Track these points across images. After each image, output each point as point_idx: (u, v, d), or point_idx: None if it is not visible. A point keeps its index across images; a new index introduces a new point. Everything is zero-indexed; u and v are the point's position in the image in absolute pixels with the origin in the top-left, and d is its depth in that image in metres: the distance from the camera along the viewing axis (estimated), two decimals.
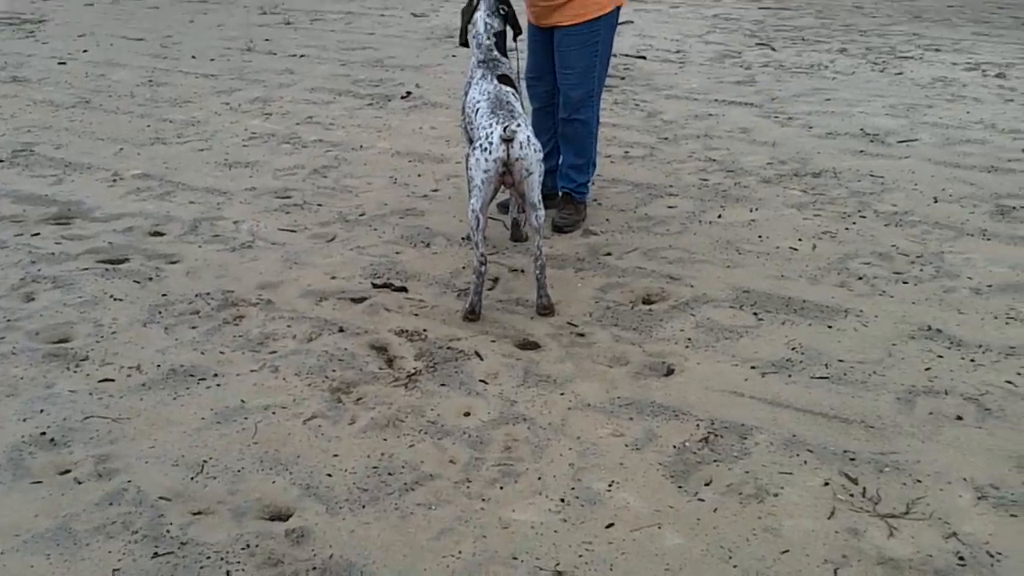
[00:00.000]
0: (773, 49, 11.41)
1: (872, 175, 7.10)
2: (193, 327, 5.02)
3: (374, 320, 5.07)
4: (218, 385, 4.48)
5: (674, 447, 3.98)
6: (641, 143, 7.89)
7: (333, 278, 5.55)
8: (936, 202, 6.56)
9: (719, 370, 4.57)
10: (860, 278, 5.47)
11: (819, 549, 3.42)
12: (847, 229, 6.13)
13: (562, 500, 3.67)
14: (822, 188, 6.84)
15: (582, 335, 4.91)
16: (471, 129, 5.31)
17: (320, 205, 6.64)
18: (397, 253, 5.86)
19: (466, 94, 5.53)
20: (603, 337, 4.88)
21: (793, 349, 4.74)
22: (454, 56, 10.13)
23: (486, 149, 4.89)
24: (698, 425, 4.13)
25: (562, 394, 4.37)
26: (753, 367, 4.58)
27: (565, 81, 6.04)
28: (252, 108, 9.06)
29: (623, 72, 10.20)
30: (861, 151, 7.66)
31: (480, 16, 5.63)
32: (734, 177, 7.10)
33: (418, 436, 4.07)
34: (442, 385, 4.46)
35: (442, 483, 3.78)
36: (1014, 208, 6.42)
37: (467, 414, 4.24)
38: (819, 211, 6.42)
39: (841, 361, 4.62)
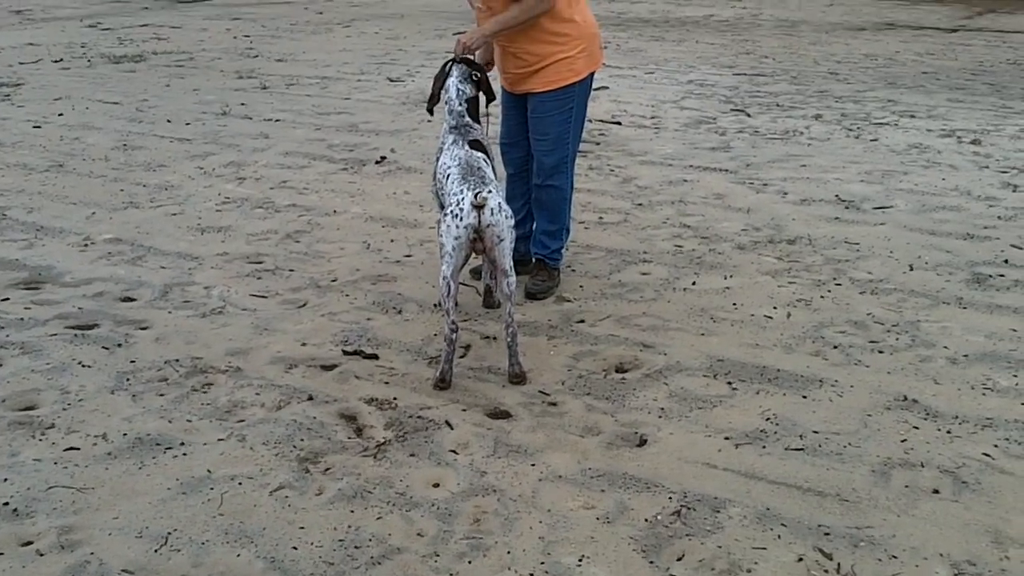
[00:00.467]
0: (748, 115, 11.45)
1: (847, 242, 7.09)
2: (161, 395, 4.95)
3: (344, 388, 5.01)
4: (184, 454, 4.41)
5: (646, 520, 3.92)
6: (616, 209, 7.88)
7: (303, 345, 5.49)
8: (912, 270, 6.55)
9: (692, 441, 4.52)
10: (835, 347, 5.43)
11: None
12: (822, 297, 6.11)
13: (531, 575, 3.61)
14: (797, 255, 6.83)
15: (554, 404, 4.85)
16: (442, 195, 5.29)
17: (292, 270, 6.59)
18: (369, 319, 5.81)
19: (438, 160, 5.51)
20: (575, 406, 4.83)
21: (767, 420, 4.69)
22: (429, 121, 10.12)
23: (457, 216, 4.86)
24: (670, 498, 4.07)
25: (533, 465, 4.31)
26: (727, 438, 4.53)
27: (539, 147, 6.03)
28: (226, 172, 9.01)
29: (598, 138, 10.22)
30: (836, 218, 7.66)
31: (452, 82, 5.63)
32: (708, 244, 7.08)
33: (386, 508, 4.01)
34: (411, 455, 4.39)
35: (409, 557, 3.71)
36: (990, 276, 6.42)
37: (436, 485, 4.18)
38: (794, 279, 6.40)
39: (816, 432, 4.57)
